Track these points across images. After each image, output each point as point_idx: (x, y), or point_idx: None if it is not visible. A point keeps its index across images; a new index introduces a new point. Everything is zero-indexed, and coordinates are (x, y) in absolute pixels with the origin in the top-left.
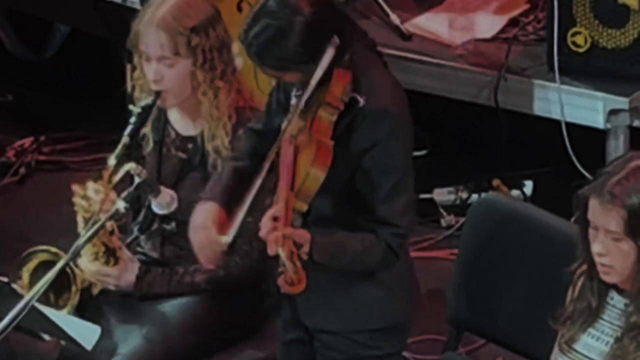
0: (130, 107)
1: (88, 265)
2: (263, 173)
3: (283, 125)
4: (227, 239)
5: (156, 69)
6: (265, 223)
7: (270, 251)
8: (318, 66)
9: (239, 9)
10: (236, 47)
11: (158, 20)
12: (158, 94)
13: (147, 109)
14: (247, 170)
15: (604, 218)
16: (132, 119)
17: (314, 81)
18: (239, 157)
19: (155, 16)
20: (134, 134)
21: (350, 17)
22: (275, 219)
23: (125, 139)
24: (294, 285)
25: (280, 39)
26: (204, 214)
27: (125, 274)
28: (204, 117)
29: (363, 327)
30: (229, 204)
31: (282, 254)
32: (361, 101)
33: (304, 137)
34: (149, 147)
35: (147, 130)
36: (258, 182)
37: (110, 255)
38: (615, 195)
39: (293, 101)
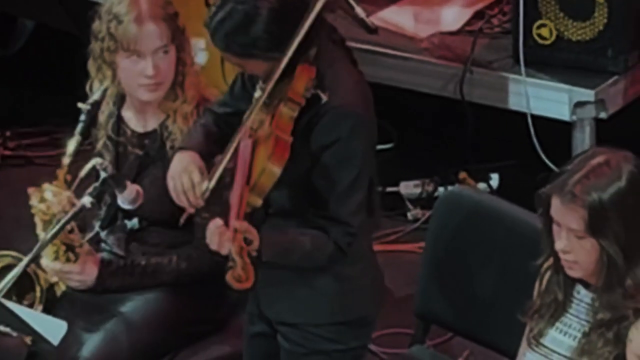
0: (79, 104)
1: (50, 265)
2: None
3: (245, 117)
4: (208, 184)
5: (153, 63)
6: (214, 231)
7: (224, 250)
8: (291, 42)
9: (207, 4)
10: (204, 42)
11: (150, 13)
12: (105, 90)
13: (95, 105)
14: (215, 132)
15: (565, 217)
16: (82, 117)
17: (279, 69)
18: (205, 123)
19: (142, 12)
20: (84, 131)
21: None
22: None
23: (77, 137)
24: (242, 282)
25: (246, 24)
26: (187, 158)
27: (87, 268)
28: (183, 97)
29: (324, 320)
30: (203, 157)
31: (233, 249)
32: (324, 98)
33: (264, 131)
34: (99, 143)
35: (100, 131)
36: (235, 139)
37: (70, 252)
38: (576, 195)
39: (257, 94)
